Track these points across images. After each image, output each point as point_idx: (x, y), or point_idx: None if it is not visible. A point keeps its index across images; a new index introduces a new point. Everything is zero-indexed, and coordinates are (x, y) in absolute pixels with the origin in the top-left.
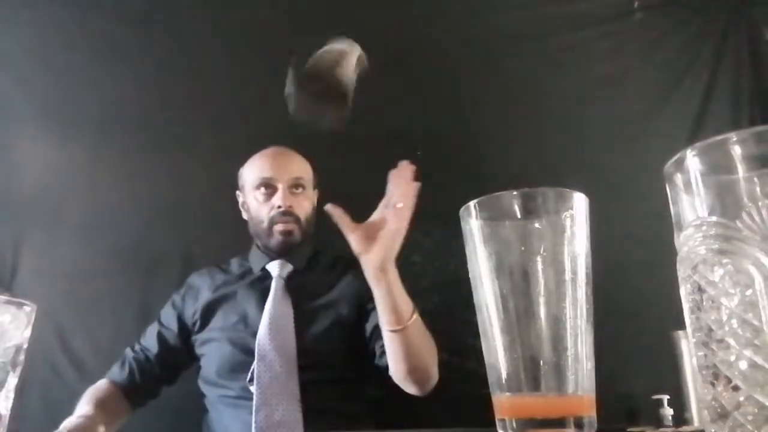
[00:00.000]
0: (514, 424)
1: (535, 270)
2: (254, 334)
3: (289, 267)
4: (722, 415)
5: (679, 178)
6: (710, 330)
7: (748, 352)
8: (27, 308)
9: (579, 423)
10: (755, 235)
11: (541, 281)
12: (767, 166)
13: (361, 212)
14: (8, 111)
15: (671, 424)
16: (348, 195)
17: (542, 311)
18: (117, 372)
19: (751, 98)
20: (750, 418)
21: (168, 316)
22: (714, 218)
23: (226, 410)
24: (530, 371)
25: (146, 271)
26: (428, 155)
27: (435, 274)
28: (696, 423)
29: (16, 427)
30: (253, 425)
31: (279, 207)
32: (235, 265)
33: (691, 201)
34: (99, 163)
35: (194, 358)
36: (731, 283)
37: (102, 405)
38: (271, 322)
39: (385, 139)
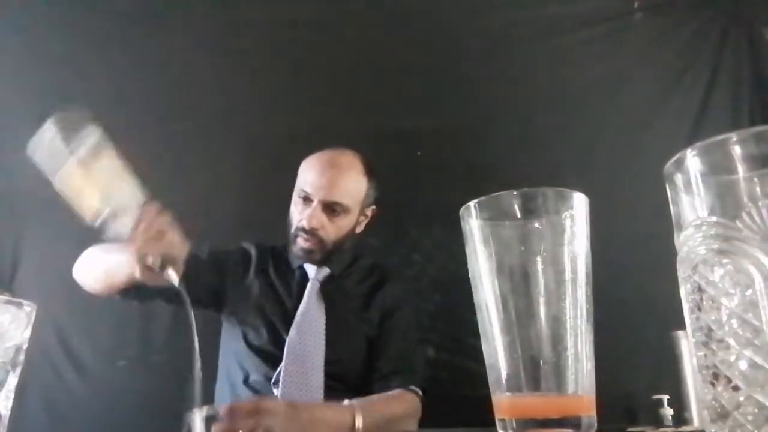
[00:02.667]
0: (514, 424)
1: (535, 270)
2: (285, 332)
3: (326, 271)
4: (722, 415)
5: (679, 178)
6: (710, 330)
7: (748, 352)
8: (27, 308)
9: (579, 423)
10: (755, 235)
11: (541, 281)
12: (767, 166)
13: None
14: (8, 111)
15: (671, 424)
16: None
17: (542, 311)
18: None
19: (751, 98)
20: (750, 418)
21: (218, 262)
22: (714, 218)
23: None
24: (530, 371)
25: None
26: (428, 155)
27: (435, 274)
28: (696, 423)
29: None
30: None
31: (302, 224)
32: (281, 250)
33: (691, 201)
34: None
35: (217, 307)
36: (731, 283)
37: None
38: (304, 324)
39: (384, 139)
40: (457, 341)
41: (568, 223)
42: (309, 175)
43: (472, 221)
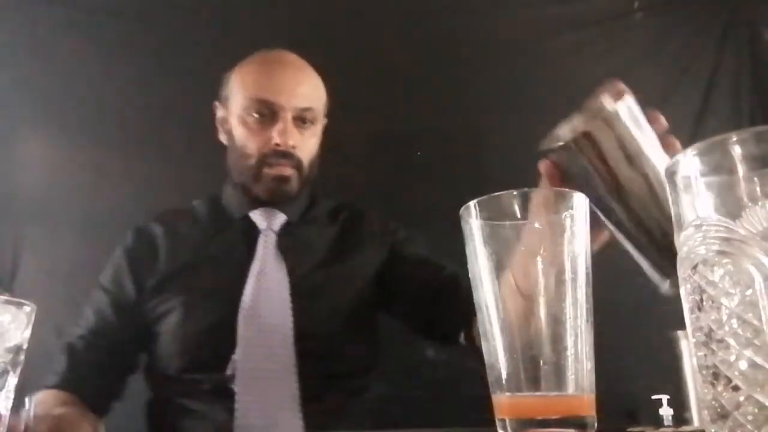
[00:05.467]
0: (514, 424)
1: (535, 270)
2: (235, 308)
3: (281, 218)
4: (722, 415)
5: (679, 178)
6: (710, 330)
7: (748, 352)
8: (27, 308)
9: (579, 423)
10: (755, 235)
11: (541, 281)
12: (767, 166)
13: None
14: (8, 111)
15: (671, 424)
16: (348, 194)
17: (542, 311)
18: (58, 376)
19: (751, 98)
20: (750, 418)
21: (118, 276)
22: (714, 218)
23: (190, 415)
24: (530, 371)
25: None
26: (428, 155)
27: None
28: (696, 423)
29: None
30: None
31: (277, 145)
32: (202, 208)
33: (691, 201)
34: (100, 163)
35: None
36: (731, 283)
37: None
38: (260, 294)
39: (384, 139)
40: None
41: (568, 223)
42: (263, 80)
43: (472, 221)
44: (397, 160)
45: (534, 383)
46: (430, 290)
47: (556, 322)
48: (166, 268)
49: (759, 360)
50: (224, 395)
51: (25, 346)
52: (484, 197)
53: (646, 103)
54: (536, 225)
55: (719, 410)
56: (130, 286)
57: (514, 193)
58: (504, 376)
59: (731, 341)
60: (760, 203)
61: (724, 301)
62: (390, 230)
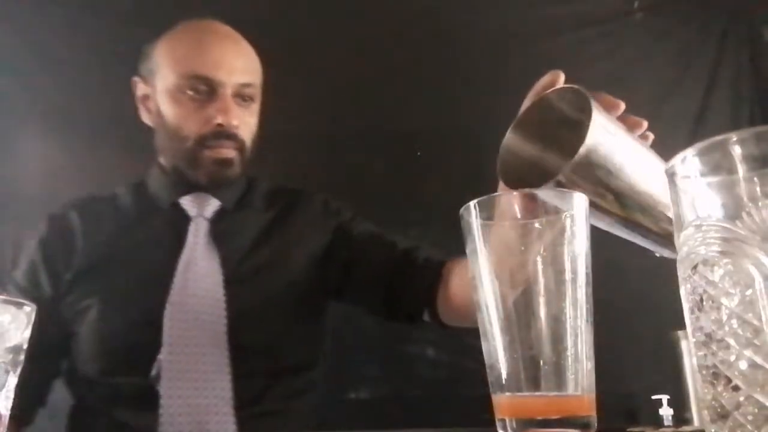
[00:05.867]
0: (514, 424)
1: (535, 270)
2: (161, 303)
3: (215, 204)
4: (722, 415)
5: (679, 178)
6: (710, 330)
7: (748, 352)
8: (27, 308)
9: (579, 423)
10: (755, 235)
11: (541, 281)
12: (767, 166)
13: (361, 212)
14: (8, 111)
15: (671, 424)
16: (348, 194)
17: (542, 311)
18: None
19: (751, 98)
20: (750, 418)
21: (32, 271)
22: (714, 218)
23: (113, 422)
24: (530, 371)
25: None
26: (428, 155)
27: None
28: (696, 423)
29: None
30: None
31: (219, 125)
32: (126, 196)
33: (691, 201)
34: (100, 163)
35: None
36: (731, 283)
37: None
38: (189, 286)
39: (384, 139)
40: (457, 341)
41: (568, 223)
42: (199, 54)
43: (472, 221)
44: (397, 160)
45: (534, 383)
46: (384, 270)
47: (556, 322)
48: (83, 260)
49: (759, 360)
50: (150, 399)
51: (25, 346)
52: (484, 197)
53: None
54: (536, 225)
55: (719, 410)
56: (46, 281)
57: (514, 193)
58: (504, 376)
59: (731, 341)
60: (760, 203)
61: (724, 301)
62: (333, 211)
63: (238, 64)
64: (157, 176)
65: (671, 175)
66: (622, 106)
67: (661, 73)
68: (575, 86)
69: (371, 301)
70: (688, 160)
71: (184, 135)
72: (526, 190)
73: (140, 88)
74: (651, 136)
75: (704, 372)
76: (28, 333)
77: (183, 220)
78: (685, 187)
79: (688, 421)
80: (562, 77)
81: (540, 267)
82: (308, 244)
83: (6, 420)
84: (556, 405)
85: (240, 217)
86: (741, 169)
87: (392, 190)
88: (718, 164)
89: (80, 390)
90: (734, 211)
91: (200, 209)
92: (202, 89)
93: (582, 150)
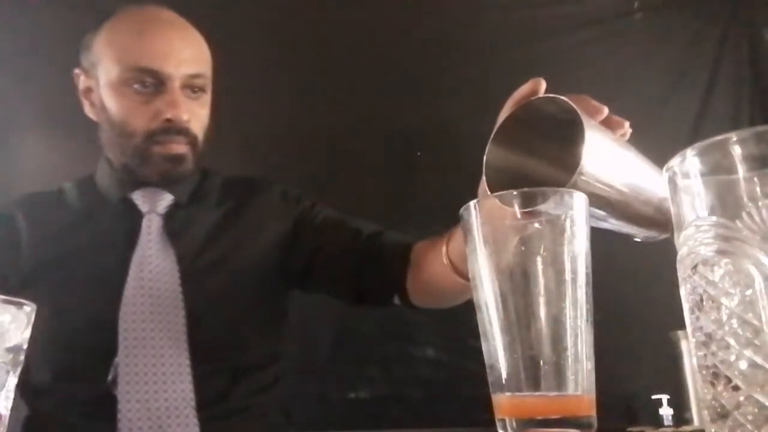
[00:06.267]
0: (514, 424)
1: (535, 270)
2: (115, 303)
3: (168, 198)
4: (722, 415)
5: (679, 178)
6: (710, 330)
7: (748, 352)
8: (27, 308)
9: (579, 423)
10: (755, 235)
11: (541, 281)
12: (767, 166)
13: (361, 212)
14: (8, 111)
15: (671, 424)
16: (348, 195)
17: (542, 311)
18: None
19: (751, 98)
20: (750, 418)
21: None
22: (714, 218)
23: (67, 431)
24: (530, 371)
25: None
26: (428, 155)
27: None
28: (696, 423)
29: None
30: None
31: (168, 120)
32: (73, 192)
33: (691, 201)
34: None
35: None
36: (731, 283)
37: None
38: (145, 285)
39: (384, 139)
40: (457, 341)
41: (568, 223)
42: (142, 45)
43: (472, 221)
44: (397, 160)
45: (534, 383)
46: (351, 256)
47: (556, 322)
48: (31, 261)
49: (759, 360)
50: (107, 405)
51: (25, 346)
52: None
53: (646, 103)
54: (536, 225)
55: (719, 410)
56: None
57: (514, 193)
58: (504, 376)
59: (731, 341)
60: (760, 203)
61: (724, 301)
62: (292, 199)
63: (186, 54)
64: (105, 171)
65: (671, 175)
66: (605, 110)
67: (661, 73)
68: (559, 96)
69: (338, 288)
70: (688, 160)
71: (131, 131)
72: (526, 189)
73: (82, 81)
74: (629, 131)
75: (704, 372)
76: (28, 333)
77: (135, 216)
78: (685, 187)
79: (688, 421)
80: (543, 85)
81: (540, 267)
82: (267, 234)
83: (6, 420)
84: (556, 405)
85: (194, 211)
86: (741, 169)
87: (392, 190)
88: (718, 164)
89: (34, 398)
90: (734, 211)
91: (152, 205)
92: (149, 82)
93: (574, 178)
